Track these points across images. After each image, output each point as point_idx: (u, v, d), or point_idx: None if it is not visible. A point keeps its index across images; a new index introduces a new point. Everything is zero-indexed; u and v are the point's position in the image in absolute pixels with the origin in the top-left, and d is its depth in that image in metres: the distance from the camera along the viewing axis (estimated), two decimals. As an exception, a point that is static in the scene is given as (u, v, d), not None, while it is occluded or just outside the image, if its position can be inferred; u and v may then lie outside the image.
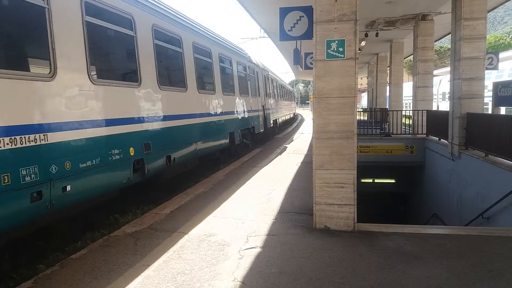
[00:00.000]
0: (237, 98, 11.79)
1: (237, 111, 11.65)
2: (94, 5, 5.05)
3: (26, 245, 4.54)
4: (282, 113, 24.30)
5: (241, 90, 12.29)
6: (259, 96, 15.30)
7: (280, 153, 12.60)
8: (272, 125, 18.46)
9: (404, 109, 19.87)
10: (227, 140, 10.61)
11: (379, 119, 16.73)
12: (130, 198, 6.46)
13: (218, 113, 9.74)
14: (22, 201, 3.80)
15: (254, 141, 14.91)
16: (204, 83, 9.22)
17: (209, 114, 9.09)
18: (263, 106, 16.07)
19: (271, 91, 19.12)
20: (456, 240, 4.56)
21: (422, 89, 13.21)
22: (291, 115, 34.05)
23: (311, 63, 10.62)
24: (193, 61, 8.32)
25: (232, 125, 11.14)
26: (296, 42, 8.83)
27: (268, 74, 18.72)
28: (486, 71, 9.27)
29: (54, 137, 4.21)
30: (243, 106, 12.44)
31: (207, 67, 9.44)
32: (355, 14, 4.59)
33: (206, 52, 9.28)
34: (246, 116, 12.87)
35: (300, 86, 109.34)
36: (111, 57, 5.97)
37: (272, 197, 6.69)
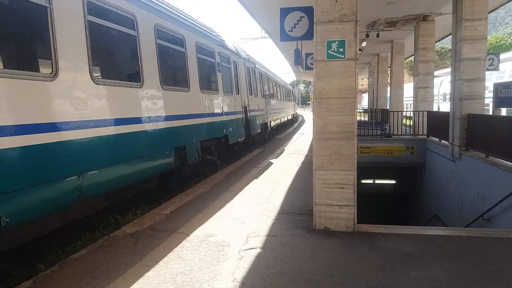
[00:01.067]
0: (195, 95, 8.19)
1: (193, 114, 8.04)
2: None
3: (25, 245, 4.54)
4: (276, 116, 20.99)
5: (203, 84, 8.68)
6: (238, 93, 11.77)
7: (280, 154, 12.59)
8: (259, 131, 14.95)
9: (404, 110, 19.88)
10: (171, 159, 7.04)
11: (379, 119, 16.72)
12: (130, 198, 6.45)
13: (150, 118, 6.25)
14: None
15: (229, 154, 11.44)
16: (118, 70, 6.04)
17: (126, 121, 5.60)
18: (245, 107, 12.57)
19: (259, 89, 15.79)
20: (456, 241, 4.55)
21: (423, 90, 13.21)
22: (289, 117, 30.39)
23: (311, 64, 10.62)
24: (86, 29, 4.87)
25: (184, 136, 7.59)
26: (297, 42, 8.84)
27: (255, 67, 15.29)
28: (487, 72, 9.27)
29: None
30: (207, 107, 8.90)
31: (125, 43, 6.01)
32: (356, 14, 4.59)
33: (126, 19, 5.84)
34: (213, 120, 9.32)
35: (301, 87, 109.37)
36: None
37: (272, 197, 6.69)
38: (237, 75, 12.02)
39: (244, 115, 12.36)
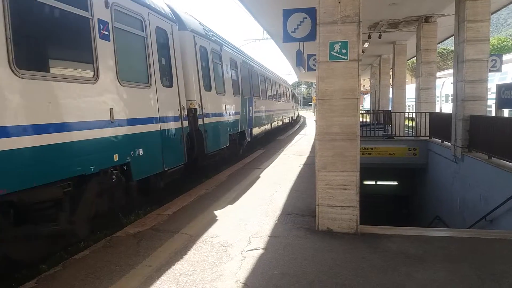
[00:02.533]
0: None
1: None
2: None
3: (28, 244, 4.55)
4: (264, 121, 15.95)
5: (26, 59, 3.84)
6: (170, 86, 7.08)
7: (282, 155, 12.59)
8: (227, 145, 10.26)
9: (407, 111, 19.87)
10: None
11: (382, 121, 16.71)
12: (133, 199, 6.45)
13: None
14: None
15: (138, 204, 6.39)
16: None
17: None
18: (195, 109, 8.10)
19: (231, 83, 11.05)
20: (459, 243, 4.54)
21: (425, 91, 13.20)
22: (286, 120, 24.97)
23: (314, 65, 10.64)
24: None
25: None
26: (299, 43, 8.86)
27: (222, 49, 10.46)
28: (489, 73, 9.26)
29: None
30: (44, 112, 3.96)
31: None
32: (358, 16, 4.59)
33: None
34: (72, 139, 4.36)
35: (303, 88, 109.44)
36: None
37: (274, 198, 6.69)
38: (169, 55, 7.21)
39: (183, 123, 7.47)
